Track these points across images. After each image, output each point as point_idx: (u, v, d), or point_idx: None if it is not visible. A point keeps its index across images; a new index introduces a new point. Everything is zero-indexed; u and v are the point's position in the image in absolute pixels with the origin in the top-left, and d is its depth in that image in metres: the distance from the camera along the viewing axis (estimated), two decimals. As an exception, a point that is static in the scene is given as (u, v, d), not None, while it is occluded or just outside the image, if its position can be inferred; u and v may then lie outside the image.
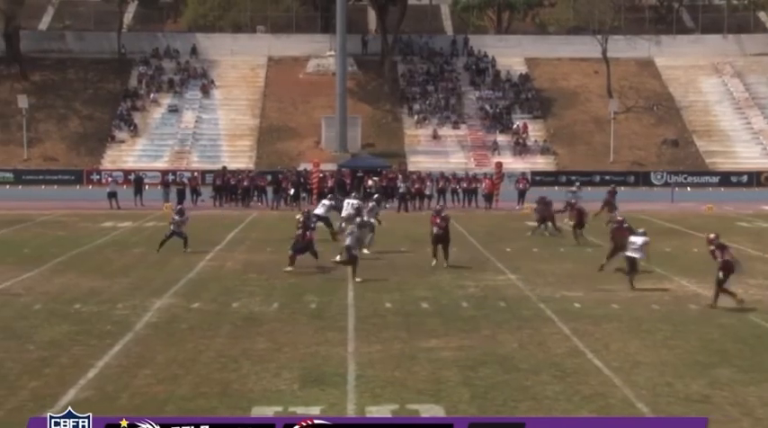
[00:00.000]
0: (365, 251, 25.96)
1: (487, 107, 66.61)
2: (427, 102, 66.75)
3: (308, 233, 23.33)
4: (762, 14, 76.62)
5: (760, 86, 69.13)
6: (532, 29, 78.58)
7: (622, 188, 54.91)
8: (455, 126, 64.76)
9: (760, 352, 15.18)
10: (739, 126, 65.77)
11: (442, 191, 42.58)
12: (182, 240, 26.14)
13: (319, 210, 29.03)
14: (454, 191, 43.25)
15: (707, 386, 13.10)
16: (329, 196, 33.10)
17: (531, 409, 11.99)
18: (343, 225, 26.22)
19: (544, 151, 62.35)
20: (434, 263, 23.66)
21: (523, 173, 50.48)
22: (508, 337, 16.05)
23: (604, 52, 67.33)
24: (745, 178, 58.76)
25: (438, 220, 23.91)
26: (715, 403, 12.34)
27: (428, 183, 42.66)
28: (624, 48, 69.07)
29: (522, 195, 42.38)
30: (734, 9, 77.53)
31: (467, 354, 14.80)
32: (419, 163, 58.31)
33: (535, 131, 64.48)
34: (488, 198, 42.46)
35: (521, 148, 62.11)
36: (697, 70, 71.18)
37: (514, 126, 64.37)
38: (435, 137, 63.51)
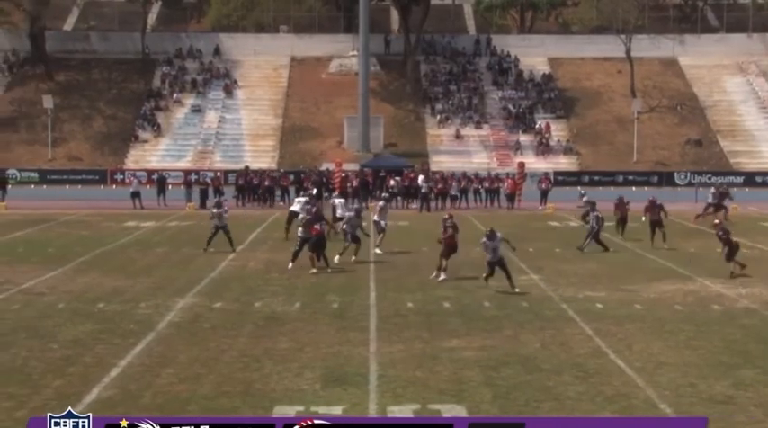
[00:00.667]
0: (377, 250, 25.92)
1: (510, 107, 66.43)
2: (450, 102, 66.65)
3: (316, 226, 23.19)
4: (787, 13, 75.99)
5: (785, 85, 68.57)
6: (555, 28, 78.30)
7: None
8: (477, 126, 64.62)
9: (784, 353, 15.05)
10: (764, 125, 65.17)
11: (464, 191, 42.77)
12: (227, 238, 26.27)
13: (295, 207, 29.13)
14: (476, 191, 43.31)
15: (730, 386, 13.00)
16: (302, 193, 33.44)
17: (553, 409, 11.94)
18: (344, 226, 25.38)
19: (567, 151, 62.10)
20: (442, 277, 21.46)
21: (546, 173, 50.30)
22: (530, 337, 16.00)
23: (628, 52, 66.95)
24: (770, 178, 58.33)
25: (443, 232, 22.17)
26: (739, 404, 12.25)
27: (453, 183, 42.73)
28: (648, 47, 68.59)
29: (544, 195, 42.26)
30: (759, 8, 76.86)
31: (489, 354, 14.77)
32: (441, 163, 58.24)
33: (558, 131, 64.23)
34: (511, 198, 42.40)
35: (543, 148, 61.90)
36: (721, 69, 70.64)
37: (537, 126, 64.14)
38: (458, 136, 63.42)
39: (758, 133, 64.48)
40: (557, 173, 56.21)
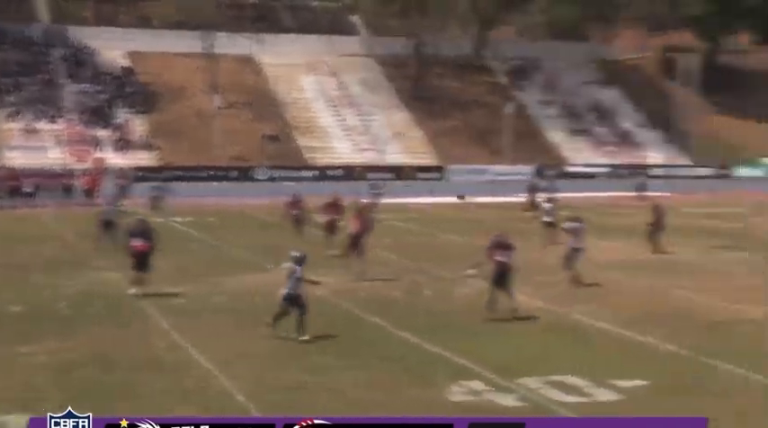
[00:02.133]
0: None
1: (87, 101, 64.21)
2: (21, 94, 62.88)
3: None
4: (354, 17, 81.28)
5: (352, 85, 73.42)
6: (136, 21, 76.83)
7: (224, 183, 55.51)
8: (52, 120, 61.67)
9: (352, 338, 15.98)
10: (334, 122, 69.35)
11: (38, 188, 41.06)
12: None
13: None
14: (52, 188, 41.80)
15: (304, 373, 13.53)
16: None
17: (132, 407, 11.59)
18: None
19: (147, 146, 61.36)
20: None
21: (121, 169, 49.35)
22: (108, 336, 15.54)
23: (209, 48, 67.69)
24: (340, 172, 61.96)
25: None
26: (310, 389, 12.78)
27: (24, 181, 40.94)
28: (228, 44, 69.79)
29: (123, 191, 41.54)
30: (327, 11, 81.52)
31: (63, 357, 14.11)
32: (13, 159, 54.80)
33: (139, 126, 63.28)
34: (89, 194, 41.27)
35: (123, 143, 60.63)
36: (297, 68, 73.87)
37: (117, 121, 62.69)
38: (31, 131, 60.02)
39: (330, 130, 68.47)
40: (138, 169, 55.18)
